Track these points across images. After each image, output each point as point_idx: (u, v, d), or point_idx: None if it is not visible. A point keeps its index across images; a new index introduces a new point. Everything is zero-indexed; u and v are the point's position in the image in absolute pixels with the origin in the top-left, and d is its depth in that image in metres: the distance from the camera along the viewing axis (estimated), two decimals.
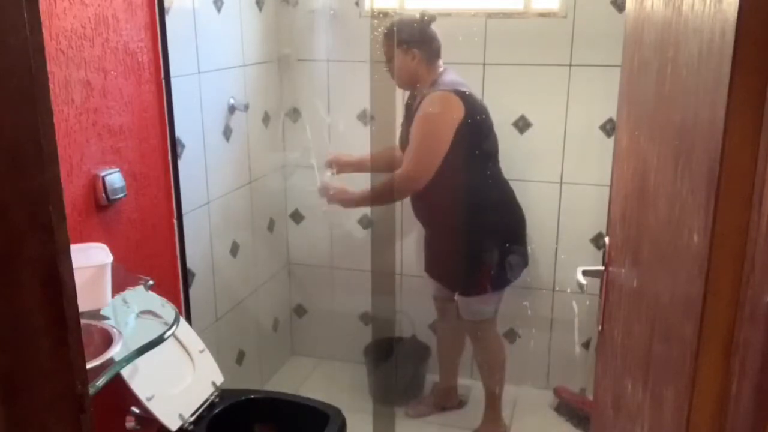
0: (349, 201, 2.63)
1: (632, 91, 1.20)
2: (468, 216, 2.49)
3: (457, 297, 2.61)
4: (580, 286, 1.44)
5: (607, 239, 1.39)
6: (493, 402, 2.73)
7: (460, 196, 2.49)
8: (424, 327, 3.01)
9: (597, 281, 1.40)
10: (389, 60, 2.47)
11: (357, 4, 2.78)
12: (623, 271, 1.21)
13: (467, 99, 2.36)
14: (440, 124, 2.37)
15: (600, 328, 1.39)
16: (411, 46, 2.41)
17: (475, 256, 2.52)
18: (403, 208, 2.86)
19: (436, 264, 2.66)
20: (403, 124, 2.58)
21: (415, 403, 2.90)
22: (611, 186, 1.42)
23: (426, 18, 2.44)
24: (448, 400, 2.89)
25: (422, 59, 2.41)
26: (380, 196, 2.58)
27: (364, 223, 3.03)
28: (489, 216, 2.50)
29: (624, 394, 1.14)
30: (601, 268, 1.38)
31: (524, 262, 2.60)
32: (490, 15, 2.65)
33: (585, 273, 1.44)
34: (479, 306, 2.60)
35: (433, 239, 2.62)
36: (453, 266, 2.59)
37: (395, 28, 2.45)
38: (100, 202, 1.82)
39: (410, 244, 2.93)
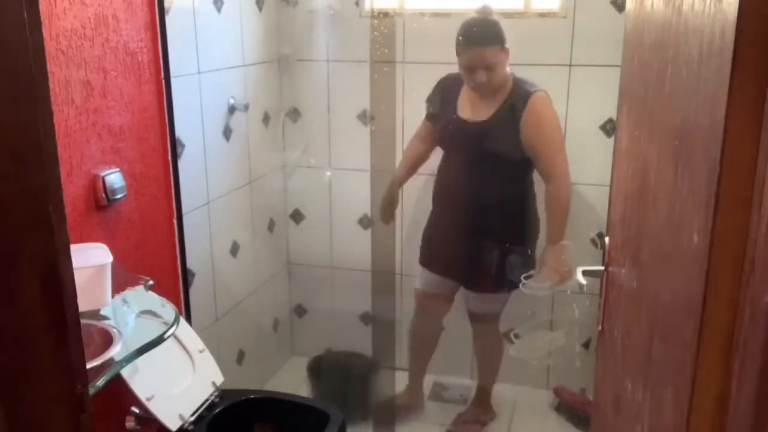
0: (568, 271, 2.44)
1: (632, 91, 1.20)
2: (506, 215, 2.50)
3: (470, 293, 2.62)
4: (580, 286, 1.44)
5: (607, 239, 1.39)
6: (483, 393, 2.76)
7: (503, 195, 2.48)
8: None
9: (597, 281, 1.40)
10: (478, 68, 2.29)
11: (357, 4, 2.78)
12: (623, 271, 1.21)
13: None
14: (557, 122, 2.43)
15: (600, 328, 1.39)
16: (504, 42, 2.32)
17: (498, 255, 2.52)
18: (403, 208, 2.85)
19: (447, 258, 2.63)
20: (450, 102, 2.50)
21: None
22: (611, 186, 1.42)
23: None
24: (414, 401, 2.84)
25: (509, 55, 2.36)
26: (562, 223, 2.45)
27: (364, 223, 3.03)
28: (526, 216, 2.52)
29: (624, 394, 1.14)
30: (601, 268, 1.38)
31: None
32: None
33: (585, 273, 1.44)
34: (492, 304, 2.63)
35: (454, 234, 2.60)
36: (474, 262, 2.58)
37: (491, 29, 2.32)
38: (100, 202, 1.82)
39: (410, 244, 2.92)
